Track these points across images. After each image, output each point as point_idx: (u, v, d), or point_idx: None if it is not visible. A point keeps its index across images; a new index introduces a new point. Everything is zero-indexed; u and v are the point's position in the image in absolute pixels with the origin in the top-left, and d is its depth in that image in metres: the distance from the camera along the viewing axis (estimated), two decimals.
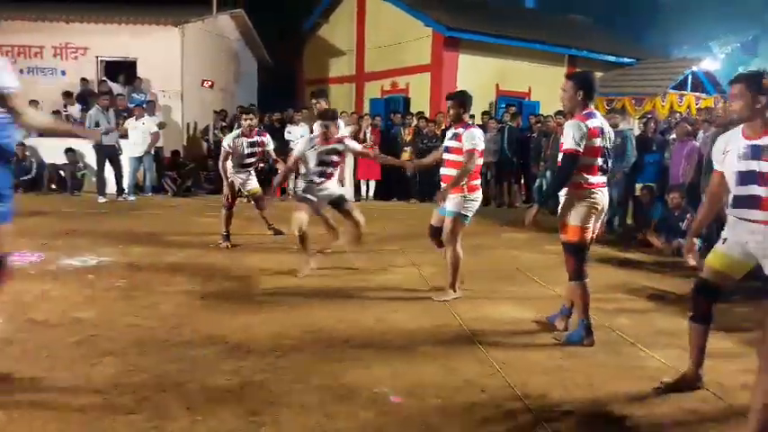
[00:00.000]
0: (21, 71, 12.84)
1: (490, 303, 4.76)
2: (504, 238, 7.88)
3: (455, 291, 4.82)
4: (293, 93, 18.66)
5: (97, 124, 10.22)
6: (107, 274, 5.26)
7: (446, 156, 4.81)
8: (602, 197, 3.84)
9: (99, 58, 13.09)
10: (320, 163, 5.48)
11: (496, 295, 5.02)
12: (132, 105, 11.65)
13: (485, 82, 13.92)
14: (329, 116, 5.62)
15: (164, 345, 3.62)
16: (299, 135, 11.61)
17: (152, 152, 11.25)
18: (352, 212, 5.62)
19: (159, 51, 12.75)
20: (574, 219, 3.79)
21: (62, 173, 11.39)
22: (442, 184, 4.79)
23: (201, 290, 4.88)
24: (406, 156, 11.50)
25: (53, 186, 11.32)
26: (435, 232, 4.92)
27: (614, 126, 8.94)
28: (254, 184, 7.05)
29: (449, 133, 4.89)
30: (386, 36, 15.40)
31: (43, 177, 11.24)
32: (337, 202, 5.63)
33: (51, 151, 11.36)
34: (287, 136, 11.55)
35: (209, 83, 14.23)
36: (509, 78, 14.53)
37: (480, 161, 4.77)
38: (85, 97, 12.29)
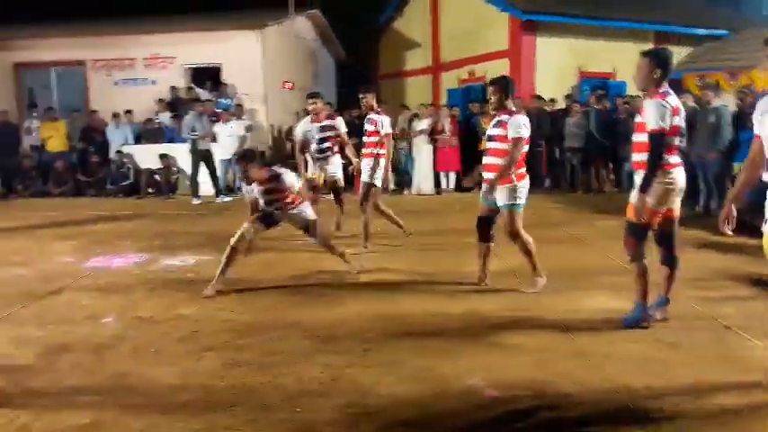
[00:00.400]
0: (116, 83, 13.71)
1: (585, 294, 4.62)
2: (597, 227, 7.60)
3: (541, 276, 4.72)
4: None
5: (193, 129, 10.74)
6: (205, 272, 5.51)
7: (490, 144, 4.71)
8: (680, 177, 3.69)
9: (185, 66, 13.70)
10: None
11: (591, 285, 4.86)
12: (219, 110, 12.11)
13: (566, 64, 13.49)
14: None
15: (260, 339, 3.76)
16: None
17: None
18: None
19: (241, 56, 13.17)
20: (648, 198, 3.63)
21: (157, 177, 12.00)
22: (484, 173, 4.71)
23: (293, 285, 5.02)
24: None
25: (150, 190, 11.95)
26: (484, 223, 4.81)
27: (707, 103, 8.46)
28: (334, 172, 6.91)
29: (493, 121, 4.77)
30: (461, 24, 15.22)
31: (140, 182, 11.89)
32: None
33: (147, 157, 12.01)
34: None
35: (290, 84, 14.57)
36: (592, 59, 13.98)
37: (525, 148, 4.64)
38: (175, 104, 12.92)
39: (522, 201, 4.62)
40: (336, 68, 17.80)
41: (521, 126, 4.52)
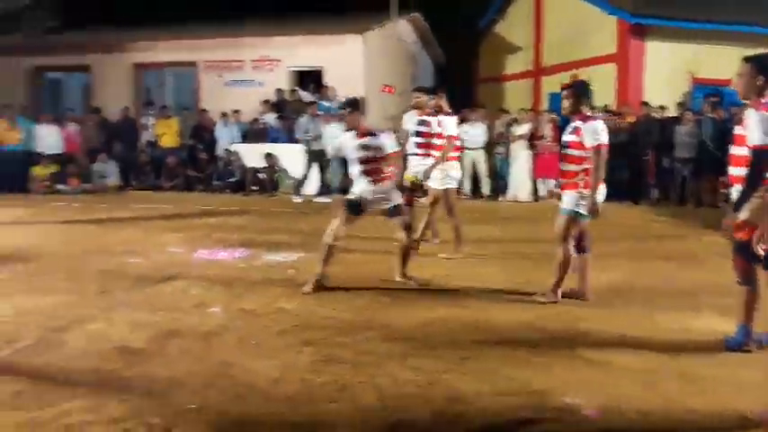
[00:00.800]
0: (225, 84, 14.40)
1: (693, 314, 4.36)
2: (706, 243, 7.16)
3: (556, 294, 4.56)
4: (468, 92, 18.70)
5: (307, 131, 11.34)
6: (305, 269, 5.67)
7: (564, 151, 4.56)
8: None
9: (290, 69, 14.17)
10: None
11: (699, 305, 4.58)
12: (321, 112, 12.44)
13: (677, 70, 12.79)
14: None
15: (358, 338, 3.82)
16: (475, 135, 11.64)
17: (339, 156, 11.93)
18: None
19: (343, 59, 13.46)
20: (751, 215, 3.37)
21: (261, 175, 12.50)
22: (559, 179, 4.61)
23: (384, 288, 5.06)
24: None
25: (254, 188, 12.47)
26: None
27: None
28: (423, 173, 6.18)
29: (568, 127, 4.62)
30: (565, 28, 14.83)
31: (246, 180, 12.42)
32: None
33: (252, 155, 12.54)
34: (462, 135, 11.58)
35: (390, 88, 14.72)
36: (706, 65, 13.18)
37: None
38: (280, 106, 13.41)
39: (584, 210, 4.48)
40: (434, 71, 17.83)
41: (598, 132, 4.38)
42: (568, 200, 4.50)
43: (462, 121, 11.89)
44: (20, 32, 13.74)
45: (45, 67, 15.89)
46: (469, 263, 5.87)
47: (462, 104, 13.25)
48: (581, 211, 4.46)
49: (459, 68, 18.79)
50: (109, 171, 12.91)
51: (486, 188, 11.78)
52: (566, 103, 4.56)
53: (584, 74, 14.36)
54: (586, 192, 4.43)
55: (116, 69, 15.08)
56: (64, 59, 15.50)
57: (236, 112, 13.37)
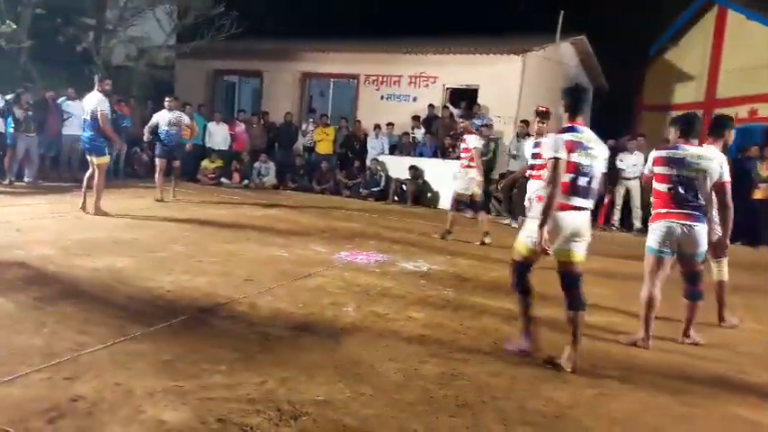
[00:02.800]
0: (382, 97, 14.88)
1: None
2: None
3: (645, 336, 4.19)
4: (628, 120, 17.76)
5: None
6: (437, 280, 5.70)
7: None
8: None
9: (446, 86, 14.34)
10: None
11: None
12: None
13: None
14: None
15: (485, 356, 3.75)
16: (631, 164, 11.01)
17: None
18: None
19: (499, 79, 13.37)
20: None
21: (404, 187, 12.75)
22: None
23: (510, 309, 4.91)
24: (759, 194, 10.04)
25: (395, 198, 12.75)
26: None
27: None
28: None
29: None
30: (747, 58, 13.61)
31: (389, 190, 12.74)
32: None
33: (398, 167, 12.85)
34: (618, 164, 11.02)
35: (543, 110, 14.35)
36: None
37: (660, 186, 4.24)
38: (430, 121, 13.61)
39: (651, 243, 4.20)
40: (594, 96, 17.11)
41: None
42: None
43: (619, 149, 11.32)
44: (204, 38, 15.17)
45: (223, 70, 17.45)
46: (608, 294, 5.54)
47: (621, 132, 12.62)
48: (648, 243, 4.26)
49: (622, 95, 17.91)
50: (268, 170, 13.85)
51: (637, 221, 11.09)
52: (671, 135, 4.35)
53: (764, 109, 13.13)
54: (651, 224, 4.29)
55: (285, 76, 16.16)
56: (240, 65, 16.93)
57: (390, 124, 13.76)
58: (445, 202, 12.08)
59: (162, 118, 10.08)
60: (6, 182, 10.33)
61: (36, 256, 5.36)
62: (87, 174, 8.17)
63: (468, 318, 4.57)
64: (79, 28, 14.47)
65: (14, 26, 11.70)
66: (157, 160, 10.06)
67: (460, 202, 8.65)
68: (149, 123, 10.26)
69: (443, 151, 13.07)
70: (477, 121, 12.77)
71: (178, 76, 17.66)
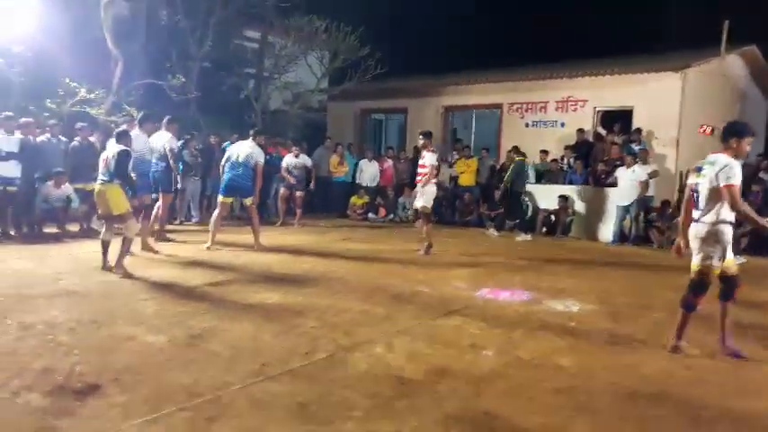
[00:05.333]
0: (527, 125, 14.47)
1: None
2: None
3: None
4: None
5: None
6: (589, 322, 5.24)
7: None
8: None
9: (596, 109, 13.61)
10: None
11: None
12: (626, 155, 11.65)
13: None
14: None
15: (645, 414, 3.32)
16: None
17: (640, 201, 11.07)
18: None
19: (656, 99, 12.43)
20: None
21: (553, 217, 12.17)
22: None
23: (687, 354, 4.35)
24: None
25: (544, 229, 12.19)
26: None
27: None
28: None
29: None
30: None
31: (537, 220, 12.22)
32: None
33: (546, 197, 12.32)
34: None
35: (708, 129, 13.11)
36: None
37: None
38: (580, 147, 12.95)
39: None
40: None
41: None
42: None
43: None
44: (352, 80, 15.82)
45: (371, 109, 18.06)
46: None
47: None
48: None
49: None
50: (411, 204, 13.94)
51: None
52: None
53: None
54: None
55: (428, 111, 16.34)
56: (386, 103, 17.42)
57: (545, 152, 13.30)
58: (600, 234, 11.42)
59: (289, 162, 12.02)
60: (177, 222, 11.34)
61: (195, 290, 5.73)
62: (216, 214, 8.64)
63: (626, 366, 4.11)
64: (240, 78, 15.75)
65: (183, 79, 12.97)
66: (282, 190, 12.13)
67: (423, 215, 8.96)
68: (282, 166, 11.98)
69: (597, 178, 12.34)
70: (636, 147, 11.96)
71: (329, 117, 18.56)
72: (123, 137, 6.83)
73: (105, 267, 6.52)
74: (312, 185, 12.35)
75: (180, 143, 10.30)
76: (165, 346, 4.08)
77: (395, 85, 16.77)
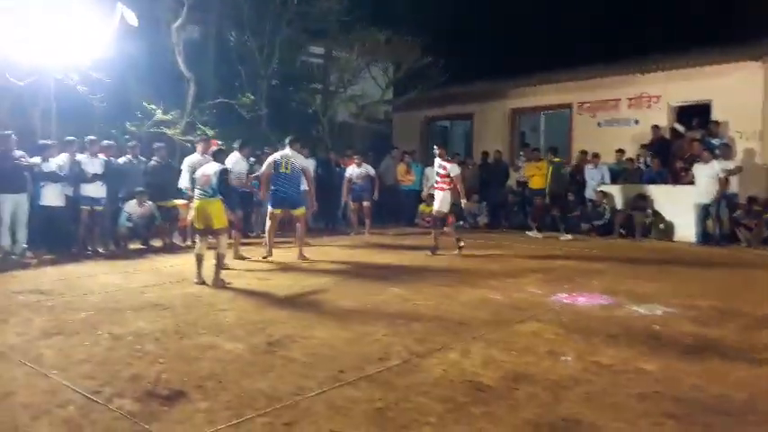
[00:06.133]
0: (599, 124, 14.07)
1: None
2: None
3: None
4: None
5: None
6: (672, 326, 5.02)
7: None
8: None
9: (671, 104, 13.08)
10: None
11: None
12: (704, 150, 11.13)
13: None
14: None
15: (734, 422, 3.14)
16: None
17: (722, 199, 10.54)
18: None
19: (736, 90, 11.82)
20: None
21: (631, 218, 11.74)
22: None
23: None
24: None
25: (622, 231, 11.78)
26: None
27: None
28: None
29: None
30: None
31: (614, 223, 11.83)
32: None
33: (623, 198, 11.92)
34: None
35: None
36: None
37: None
38: (657, 144, 12.47)
39: None
40: None
41: None
42: None
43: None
44: (417, 89, 15.88)
45: (435, 116, 18.05)
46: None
47: None
48: None
49: None
50: (480, 210, 13.81)
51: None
52: None
53: None
54: None
55: (494, 115, 16.18)
56: (451, 109, 17.37)
57: (620, 151, 12.91)
58: (681, 234, 10.96)
59: (352, 172, 12.18)
60: (254, 234, 11.67)
61: (271, 300, 5.88)
62: (270, 226, 8.78)
63: (713, 373, 3.90)
64: (307, 93, 16.11)
65: (253, 97, 13.39)
66: (350, 203, 12.37)
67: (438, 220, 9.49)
68: (346, 176, 12.20)
69: (675, 176, 11.83)
70: (715, 141, 11.42)
71: (395, 127, 18.67)
72: (220, 155, 7.19)
73: (199, 280, 6.73)
74: (376, 195, 12.40)
75: (252, 160, 10.64)
76: (245, 354, 4.20)
77: (459, 90, 16.69)
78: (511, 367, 3.95)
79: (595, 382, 3.70)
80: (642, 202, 11.51)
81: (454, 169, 9.18)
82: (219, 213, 6.79)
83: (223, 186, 6.83)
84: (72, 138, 9.37)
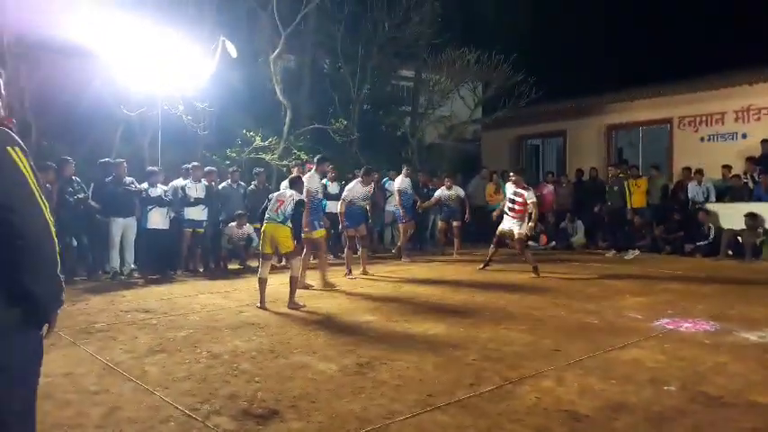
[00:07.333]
0: (701, 139, 13.33)
1: None
2: None
3: None
4: None
5: None
6: None
7: None
8: None
9: None
10: None
11: None
12: None
13: None
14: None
15: None
16: None
17: None
18: None
19: None
20: None
21: (739, 239, 10.98)
22: None
23: None
24: None
25: (730, 253, 11.03)
26: None
27: None
28: None
29: None
30: None
31: (721, 243, 11.10)
32: None
33: (731, 217, 11.18)
34: None
35: None
36: None
37: None
38: (766, 159, 11.64)
39: None
40: None
41: None
42: None
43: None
44: (506, 107, 15.71)
45: (527, 135, 17.74)
46: None
47: None
48: None
49: None
50: (575, 229, 13.36)
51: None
52: None
53: None
54: None
55: (589, 132, 15.70)
56: (542, 127, 17.03)
57: (727, 167, 12.16)
58: None
59: (442, 194, 12.05)
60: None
61: (361, 321, 5.95)
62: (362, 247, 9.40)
63: None
64: (397, 116, 16.33)
65: (345, 122, 13.73)
66: (439, 223, 12.49)
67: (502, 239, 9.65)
68: (435, 197, 12.17)
69: None
70: None
71: (483, 147, 18.52)
72: (297, 183, 7.28)
73: (262, 305, 6.76)
74: (467, 216, 12.19)
75: (344, 183, 10.89)
76: (336, 375, 4.26)
77: (551, 107, 16.36)
78: (609, 396, 3.77)
79: (702, 414, 3.46)
80: (752, 220, 10.73)
81: (531, 197, 9.14)
82: (287, 239, 6.87)
83: (297, 214, 6.92)
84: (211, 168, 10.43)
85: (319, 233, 8.13)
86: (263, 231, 7.00)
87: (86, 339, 5.30)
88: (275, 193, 7.29)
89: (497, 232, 9.63)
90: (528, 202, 9.10)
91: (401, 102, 17.70)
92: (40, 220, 1.84)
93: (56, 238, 1.89)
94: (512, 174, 9.58)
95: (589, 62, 18.92)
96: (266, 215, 6.97)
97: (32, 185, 1.84)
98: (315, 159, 9.10)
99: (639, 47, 18.31)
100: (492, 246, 9.77)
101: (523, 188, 9.23)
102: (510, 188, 9.42)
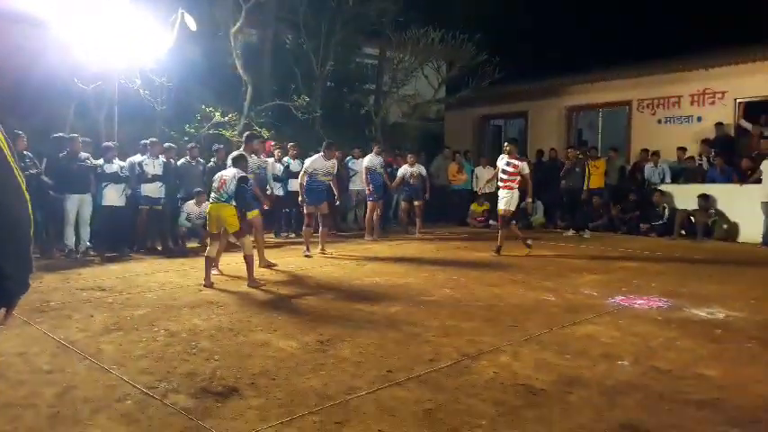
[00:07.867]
0: (659, 121, 13.62)
1: None
2: None
3: None
4: None
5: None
6: (736, 330, 4.81)
7: None
8: None
9: (737, 100, 12.54)
10: None
11: None
12: None
13: None
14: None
15: None
16: None
17: None
18: None
19: None
20: None
21: (692, 219, 11.32)
22: None
23: None
24: None
25: (682, 232, 11.37)
26: None
27: None
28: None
29: None
30: None
31: (674, 223, 11.42)
32: None
33: (684, 198, 11.51)
34: None
35: None
36: None
37: None
38: (720, 142, 11.98)
39: None
40: None
41: None
42: None
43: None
44: (470, 87, 15.74)
45: (489, 115, 17.85)
46: None
47: None
48: None
49: None
50: (535, 209, 13.56)
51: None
52: None
53: None
54: None
55: (550, 113, 15.87)
56: (505, 107, 17.14)
57: (682, 149, 12.48)
58: (746, 235, 10.51)
59: (405, 171, 11.91)
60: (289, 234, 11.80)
61: (322, 299, 5.94)
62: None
63: None
64: (361, 94, 16.20)
65: (308, 99, 13.56)
66: (402, 203, 12.44)
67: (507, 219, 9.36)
68: (398, 175, 11.99)
69: (742, 175, 11.33)
70: None
71: (447, 126, 18.56)
72: (239, 161, 7.16)
73: (208, 283, 6.68)
74: (427, 194, 12.25)
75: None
76: (297, 352, 4.25)
77: (513, 88, 16.47)
78: (564, 370, 3.87)
79: (653, 387, 3.58)
80: (704, 201, 11.07)
81: (525, 167, 9.13)
82: (232, 217, 6.78)
83: (239, 193, 6.80)
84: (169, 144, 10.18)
85: (252, 213, 7.90)
86: (208, 212, 6.96)
87: (40, 318, 5.16)
88: (219, 173, 7.17)
89: (500, 212, 9.38)
90: (522, 173, 9.08)
91: (365, 80, 17.55)
92: (18, 194, 1.73)
93: (32, 216, 1.78)
94: (506, 144, 9.52)
95: (552, 44, 19.06)
96: (211, 195, 6.93)
97: (9, 159, 1.74)
98: (243, 137, 8.98)
99: (602, 29, 18.51)
100: (501, 229, 9.40)
101: (517, 158, 9.18)
102: (503, 159, 9.30)
